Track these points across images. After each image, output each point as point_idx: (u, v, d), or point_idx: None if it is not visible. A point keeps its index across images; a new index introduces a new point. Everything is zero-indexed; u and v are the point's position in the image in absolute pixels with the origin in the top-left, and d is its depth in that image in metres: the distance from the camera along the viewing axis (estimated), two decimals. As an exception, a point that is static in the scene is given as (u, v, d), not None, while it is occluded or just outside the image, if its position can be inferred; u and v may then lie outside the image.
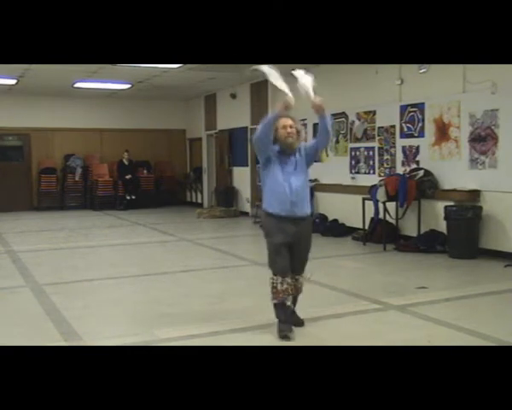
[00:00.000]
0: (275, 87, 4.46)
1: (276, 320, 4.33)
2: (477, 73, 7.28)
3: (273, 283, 4.30)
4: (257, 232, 8.93)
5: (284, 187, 4.27)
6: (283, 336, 4.21)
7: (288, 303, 4.34)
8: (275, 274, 4.31)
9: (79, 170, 14.82)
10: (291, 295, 4.35)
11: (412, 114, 8.44)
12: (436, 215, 7.91)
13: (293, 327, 4.35)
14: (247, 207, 12.88)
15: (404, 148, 8.62)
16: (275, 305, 4.34)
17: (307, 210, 4.42)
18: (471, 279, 6.24)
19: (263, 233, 4.48)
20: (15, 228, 11.14)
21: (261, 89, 12.01)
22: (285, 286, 4.27)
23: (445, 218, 7.48)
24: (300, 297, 4.55)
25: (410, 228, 8.34)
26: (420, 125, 8.31)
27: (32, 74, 11.14)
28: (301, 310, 4.82)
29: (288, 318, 4.35)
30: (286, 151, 4.35)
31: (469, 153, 7.55)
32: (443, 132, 7.94)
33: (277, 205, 4.29)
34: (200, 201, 15.19)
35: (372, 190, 8.30)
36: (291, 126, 4.33)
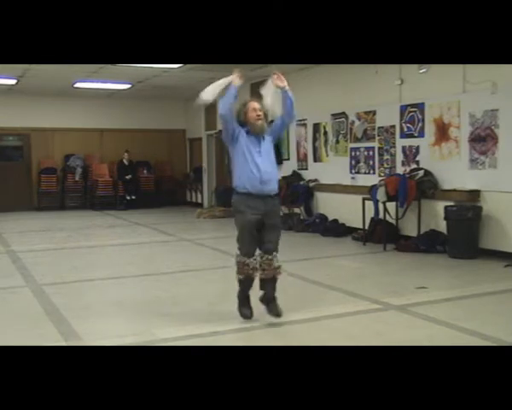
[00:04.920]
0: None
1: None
2: (477, 73, 7.28)
3: (239, 261, 4.52)
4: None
5: (254, 167, 4.46)
6: (245, 317, 4.55)
7: (252, 277, 4.54)
8: (241, 254, 4.51)
9: (79, 170, 14.82)
10: (257, 273, 4.52)
11: (412, 114, 8.43)
12: (436, 215, 7.91)
13: (276, 319, 4.52)
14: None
15: (404, 148, 8.62)
16: (239, 280, 4.57)
17: (275, 188, 4.61)
18: (471, 279, 6.24)
19: (233, 212, 4.63)
20: (15, 228, 11.14)
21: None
22: (249, 264, 4.46)
23: (445, 218, 7.48)
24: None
25: (410, 228, 8.34)
26: (420, 125, 8.31)
27: (32, 74, 11.13)
28: (301, 310, 4.83)
29: (248, 298, 4.61)
30: (254, 133, 4.53)
31: (469, 153, 7.55)
32: (443, 132, 7.94)
33: (248, 184, 4.47)
34: (200, 201, 15.18)
35: (372, 190, 8.30)
36: (260, 109, 4.54)
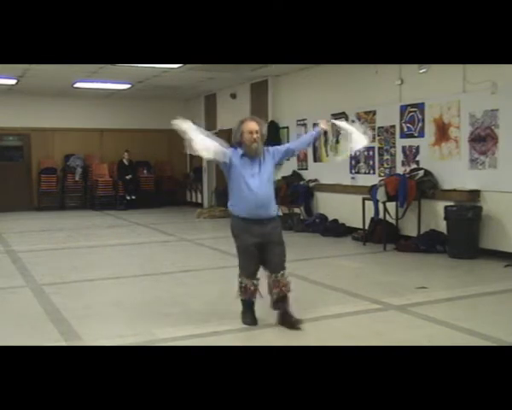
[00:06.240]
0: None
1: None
2: (477, 73, 7.28)
3: (240, 283, 4.48)
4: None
5: (249, 191, 4.32)
6: (245, 323, 4.53)
7: (253, 300, 4.52)
8: (242, 275, 4.47)
9: (79, 170, 14.82)
10: (257, 294, 4.50)
11: (412, 114, 8.44)
12: (436, 215, 7.91)
13: (291, 330, 4.42)
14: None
15: (404, 148, 8.62)
16: (241, 300, 4.55)
17: (273, 212, 4.48)
18: (471, 279, 6.24)
19: (231, 234, 4.57)
20: (15, 228, 11.13)
21: (261, 89, 12.01)
22: (252, 288, 4.44)
23: (445, 218, 7.48)
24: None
25: (410, 228, 8.34)
26: (420, 125, 8.31)
27: (32, 74, 11.13)
28: (301, 310, 4.81)
29: (252, 311, 4.56)
30: (250, 154, 4.39)
31: (469, 153, 7.55)
32: (443, 132, 7.94)
33: (243, 208, 4.37)
34: (200, 201, 15.18)
35: (372, 190, 8.30)
36: (257, 132, 4.37)
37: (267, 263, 4.44)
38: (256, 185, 4.32)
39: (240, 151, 4.41)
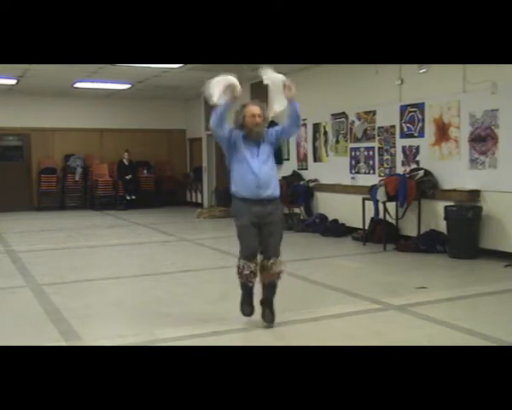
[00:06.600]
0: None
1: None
2: (477, 73, 7.28)
3: (238, 265, 4.46)
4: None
5: (250, 172, 4.35)
6: (244, 314, 4.56)
7: (251, 285, 4.50)
8: (241, 257, 4.45)
9: (79, 170, 14.83)
10: (256, 279, 4.49)
11: (412, 114, 8.43)
12: (436, 215, 7.91)
13: (266, 323, 4.49)
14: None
15: (404, 148, 8.62)
16: (240, 283, 4.54)
17: (274, 193, 4.47)
18: (471, 279, 6.24)
19: (232, 216, 4.58)
20: (15, 228, 11.13)
21: (261, 89, 11.99)
22: (249, 270, 4.41)
23: (445, 218, 7.48)
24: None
25: (410, 228, 8.34)
26: (420, 125, 8.31)
27: (32, 74, 11.13)
28: (301, 310, 4.83)
29: (250, 298, 4.55)
30: (252, 138, 4.42)
31: (469, 153, 7.55)
32: (443, 132, 7.94)
33: (244, 189, 4.39)
34: (200, 201, 15.18)
35: (372, 190, 8.30)
36: (259, 115, 4.40)
37: (262, 246, 4.46)
38: (256, 166, 4.36)
39: (241, 133, 4.44)
